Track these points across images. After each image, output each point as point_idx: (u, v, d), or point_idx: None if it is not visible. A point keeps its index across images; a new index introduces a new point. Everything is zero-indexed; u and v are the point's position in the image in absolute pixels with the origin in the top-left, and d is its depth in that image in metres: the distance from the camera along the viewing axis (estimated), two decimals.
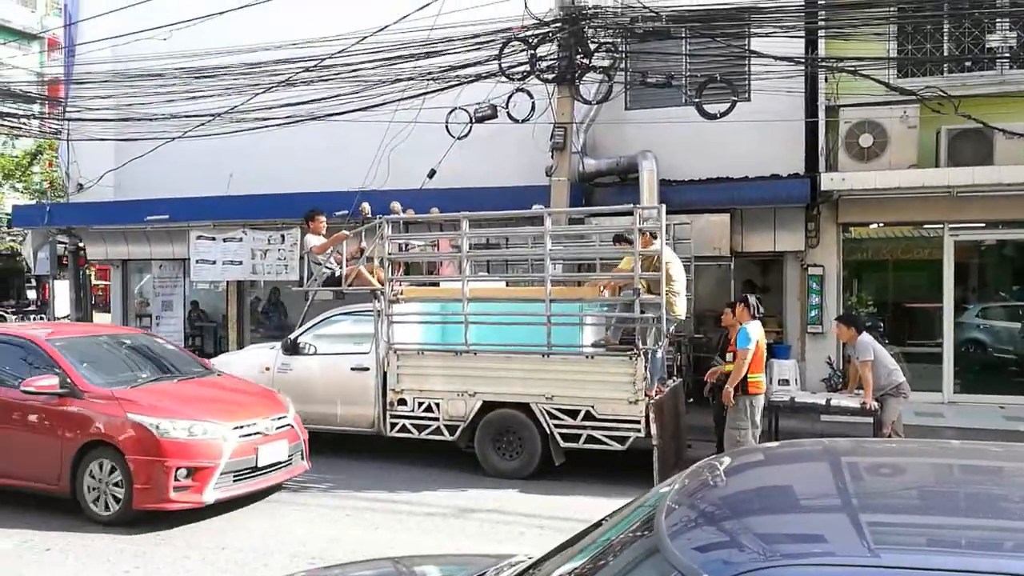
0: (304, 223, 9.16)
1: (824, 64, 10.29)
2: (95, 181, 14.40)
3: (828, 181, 9.90)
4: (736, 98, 9.82)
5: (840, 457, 2.60)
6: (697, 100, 9.89)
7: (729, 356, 7.40)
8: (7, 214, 26.50)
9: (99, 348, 7.47)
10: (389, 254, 8.25)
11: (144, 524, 6.20)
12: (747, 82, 10.89)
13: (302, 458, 7.20)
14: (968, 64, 10.32)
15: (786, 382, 10.61)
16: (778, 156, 10.83)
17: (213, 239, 13.08)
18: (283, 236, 12.71)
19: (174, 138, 12.79)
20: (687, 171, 11.15)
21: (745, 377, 7.14)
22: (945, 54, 10.41)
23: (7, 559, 5.65)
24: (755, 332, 7.20)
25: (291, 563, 5.37)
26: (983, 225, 10.72)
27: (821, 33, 10.35)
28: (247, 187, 12.93)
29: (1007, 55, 10.05)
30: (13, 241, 28.81)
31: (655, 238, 7.45)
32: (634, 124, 11.59)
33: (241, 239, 12.92)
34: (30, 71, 25.14)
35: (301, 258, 9.09)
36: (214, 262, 13.08)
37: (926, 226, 10.84)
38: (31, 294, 34.37)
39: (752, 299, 7.51)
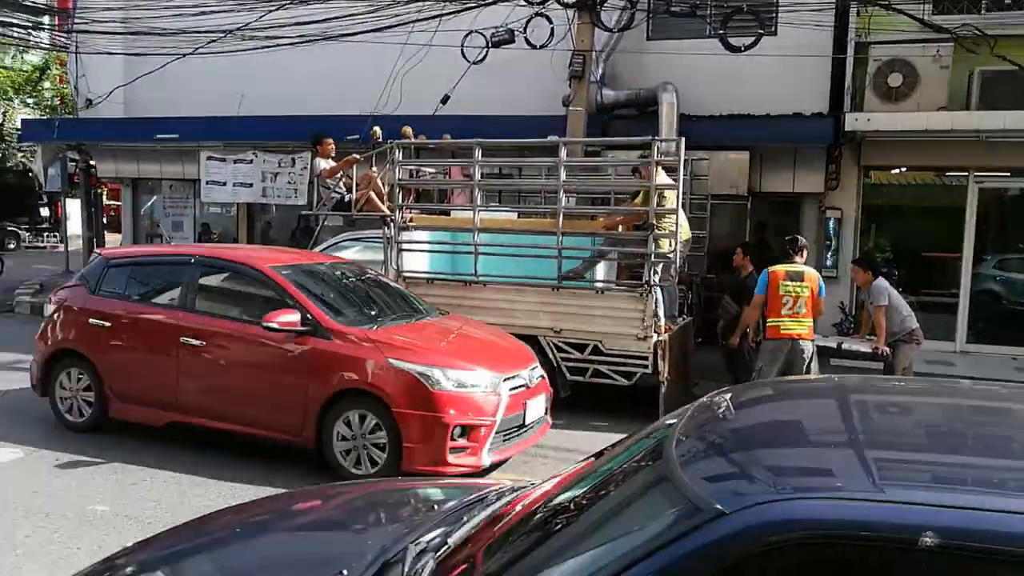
0: (312, 147, 9.00)
1: None
2: (104, 97, 14.16)
3: (852, 121, 9.61)
4: (762, 31, 9.46)
5: (848, 394, 2.57)
6: (721, 32, 9.53)
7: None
8: (18, 129, 26.40)
9: (322, 279, 6.53)
10: (400, 180, 8.10)
11: None
12: (774, 15, 10.48)
13: (546, 413, 6.36)
14: (1007, 2, 9.88)
15: None
16: (802, 93, 10.50)
17: (223, 160, 12.92)
18: (293, 159, 12.54)
19: (184, 55, 12.53)
20: (707, 106, 10.85)
21: (766, 321, 6.99)
22: None
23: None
24: (777, 276, 6.90)
25: None
26: (1009, 173, 10.43)
27: None
28: (258, 108, 12.71)
29: None
30: (25, 158, 28.76)
31: (672, 171, 7.27)
32: (655, 55, 11.24)
33: (251, 161, 12.76)
34: None
35: (311, 182, 8.95)
36: (224, 183, 12.96)
37: (950, 172, 10.57)
38: (44, 211, 34.53)
39: (801, 241, 7.24)
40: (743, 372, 8.33)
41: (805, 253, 7.20)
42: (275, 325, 5.56)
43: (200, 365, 6.00)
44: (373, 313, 6.31)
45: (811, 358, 6.93)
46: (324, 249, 8.98)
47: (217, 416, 5.96)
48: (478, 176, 7.80)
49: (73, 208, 21.00)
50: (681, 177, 7.15)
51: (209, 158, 13.00)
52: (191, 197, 14.48)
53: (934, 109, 9.59)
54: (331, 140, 8.91)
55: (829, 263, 10.73)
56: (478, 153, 7.71)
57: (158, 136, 12.99)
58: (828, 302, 10.66)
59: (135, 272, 6.71)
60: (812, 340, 6.96)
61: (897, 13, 9.44)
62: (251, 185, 12.81)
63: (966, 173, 10.32)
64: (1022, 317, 10.91)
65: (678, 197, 7.13)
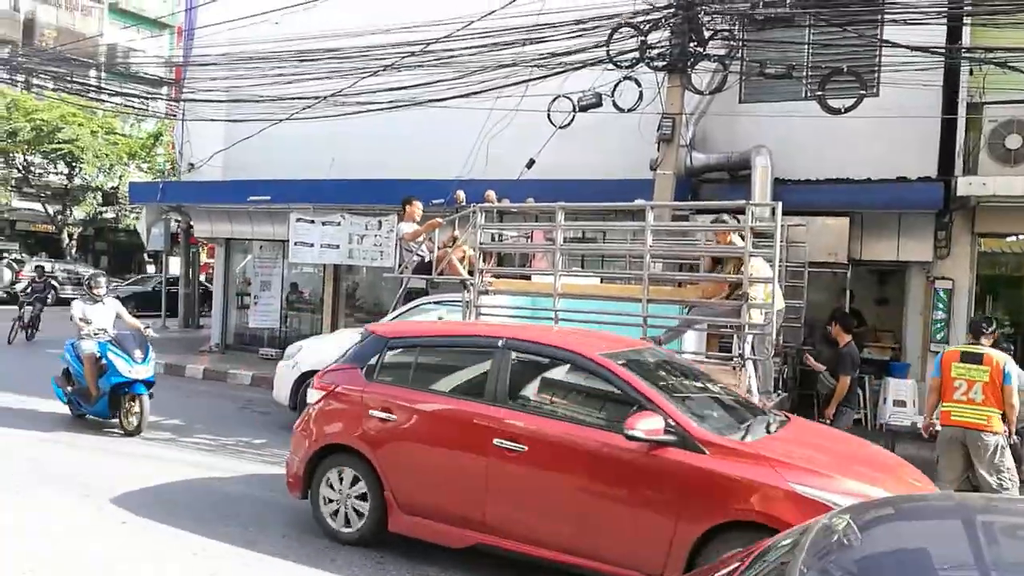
0: (401, 209, 9.03)
1: (968, 56, 9.31)
2: (205, 161, 14.81)
3: (966, 186, 8.94)
4: (864, 92, 8.99)
5: (976, 515, 2.29)
6: (820, 93, 9.11)
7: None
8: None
9: (651, 371, 5.22)
10: (481, 243, 7.94)
11: None
12: (876, 75, 10.00)
13: None
14: None
15: (902, 403, 9.75)
16: (906, 157, 9.91)
17: (312, 222, 13.18)
18: (380, 222, 12.67)
19: (280, 120, 12.96)
20: (803, 170, 10.37)
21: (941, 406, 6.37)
22: None
23: None
24: (951, 358, 6.36)
25: None
26: None
27: (966, 20, 9.38)
28: (347, 172, 12.98)
29: None
30: (135, 218, 30.57)
31: (767, 237, 6.85)
32: (748, 118, 10.90)
33: (339, 223, 12.97)
34: (159, 57, 26.41)
35: (397, 244, 8.95)
36: (312, 245, 13.19)
37: None
38: (150, 268, 36.48)
39: (986, 322, 6.59)
40: None
41: (995, 335, 6.55)
42: (639, 434, 4.36)
43: (520, 476, 4.79)
44: (722, 416, 5.04)
45: (993, 454, 6.10)
46: (403, 313, 8.86)
47: (542, 542, 4.75)
48: (560, 240, 7.53)
49: (174, 266, 22.00)
50: (777, 244, 6.70)
51: (298, 220, 13.29)
52: (280, 257, 14.82)
53: None
54: (418, 203, 8.93)
55: (939, 337, 9.92)
56: (560, 217, 7.47)
57: (251, 198, 13.39)
58: None
59: (424, 354, 5.69)
60: (996, 433, 6.12)
61: (1013, 71, 8.82)
62: (338, 247, 12.99)
63: None
64: None
65: (775, 266, 6.67)
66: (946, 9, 9.00)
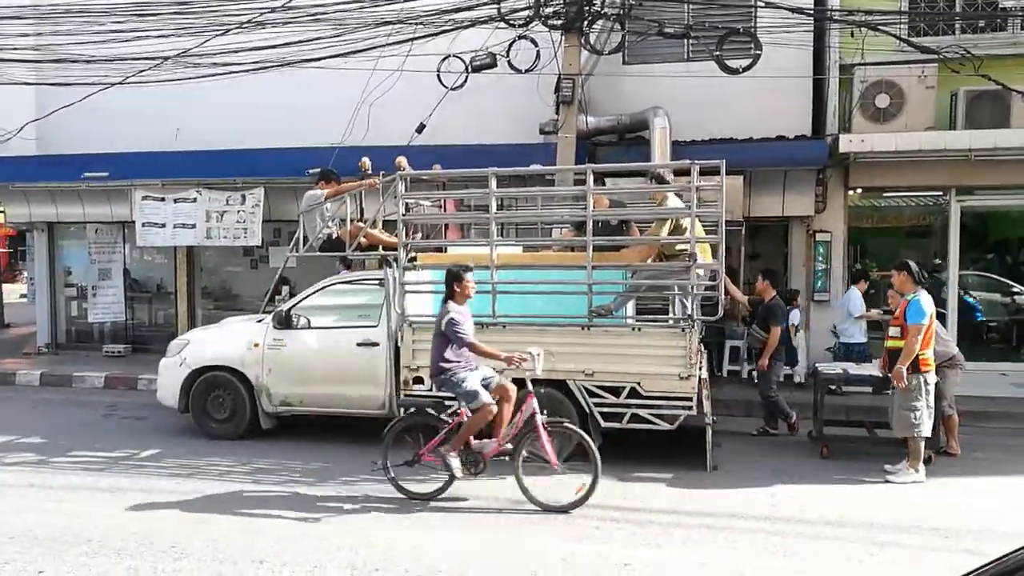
0: (315, 183, 8.18)
1: (833, 18, 9.82)
2: (14, 133, 12.58)
3: (847, 143, 9.47)
4: (760, 52, 9.22)
5: None
6: (718, 53, 9.23)
7: (894, 331, 6.65)
8: None
9: None
10: (404, 216, 7.30)
11: None
12: (753, 36, 10.30)
13: None
14: (980, 24, 10.04)
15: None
16: (783, 116, 10.32)
17: (162, 199, 11.66)
18: (243, 196, 11.43)
19: (113, 84, 11.26)
20: (687, 131, 10.53)
21: (916, 354, 6.43)
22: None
23: None
24: (928, 304, 6.51)
25: None
26: (991, 190, 10.40)
27: None
28: (202, 142, 11.54)
29: (1020, 14, 9.81)
30: None
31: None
32: (632, 79, 10.89)
33: (195, 199, 11.56)
34: None
35: (297, 218, 8.03)
36: (163, 225, 11.68)
37: (934, 191, 10.57)
38: None
39: (914, 265, 6.72)
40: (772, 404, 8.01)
41: None
42: None
43: None
44: None
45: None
46: (309, 294, 7.99)
47: None
48: (494, 208, 7.07)
49: None
50: (723, 202, 6.72)
51: (145, 198, 11.71)
52: (120, 241, 13.05)
53: (921, 128, 9.58)
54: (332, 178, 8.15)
55: (819, 286, 10.57)
56: (493, 183, 7.01)
57: (86, 175, 11.60)
58: (819, 328, 10.61)
59: None
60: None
61: (879, 34, 9.42)
62: (194, 226, 11.59)
63: (948, 191, 10.36)
64: (999, 331, 11.03)
65: (721, 224, 6.68)
66: None
